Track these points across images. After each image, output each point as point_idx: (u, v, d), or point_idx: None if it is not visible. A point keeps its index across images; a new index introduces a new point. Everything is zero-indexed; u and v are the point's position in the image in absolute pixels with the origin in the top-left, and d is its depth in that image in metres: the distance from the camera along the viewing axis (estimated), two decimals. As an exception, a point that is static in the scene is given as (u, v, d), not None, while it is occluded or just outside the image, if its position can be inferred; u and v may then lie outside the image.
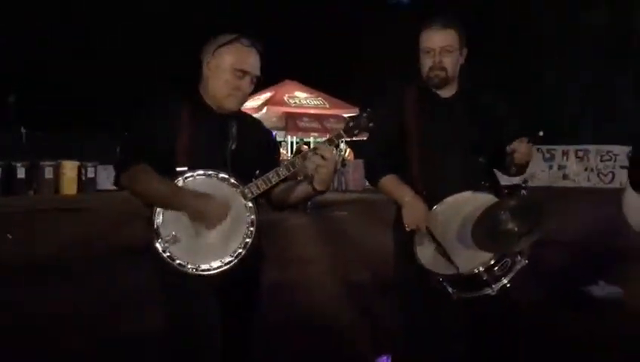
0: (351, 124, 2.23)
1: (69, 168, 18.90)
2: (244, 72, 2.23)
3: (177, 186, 2.13)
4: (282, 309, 4.62)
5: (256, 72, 2.27)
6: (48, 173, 18.44)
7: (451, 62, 2.53)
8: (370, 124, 2.22)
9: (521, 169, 2.49)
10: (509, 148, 2.38)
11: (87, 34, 27.64)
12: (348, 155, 19.90)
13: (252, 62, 2.25)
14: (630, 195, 3.22)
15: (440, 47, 2.50)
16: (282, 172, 2.17)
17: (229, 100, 2.24)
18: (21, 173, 17.99)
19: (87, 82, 27.06)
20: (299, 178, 2.27)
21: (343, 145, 22.28)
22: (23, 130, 20.64)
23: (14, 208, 13.08)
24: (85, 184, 19.33)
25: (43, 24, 25.75)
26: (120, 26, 28.56)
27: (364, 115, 2.23)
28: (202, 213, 2.11)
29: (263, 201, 2.31)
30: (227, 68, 2.21)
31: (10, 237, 8.01)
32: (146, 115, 2.28)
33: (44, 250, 7.65)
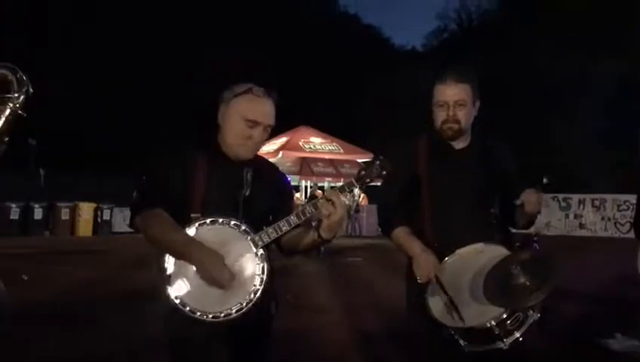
0: (363, 172, 2.23)
1: (85, 210, 19.12)
2: (256, 123, 2.26)
3: (189, 238, 2.15)
4: (294, 357, 4.57)
5: (269, 121, 2.30)
6: (65, 215, 18.66)
7: (464, 116, 2.57)
8: (383, 172, 2.22)
9: (530, 220, 2.51)
10: (517, 201, 2.41)
11: (105, 79, 28.31)
12: (362, 200, 19.91)
13: (264, 111, 2.28)
14: None
15: (454, 101, 2.55)
16: (293, 220, 2.19)
17: (241, 149, 2.28)
18: (38, 214, 18.25)
19: (105, 127, 27.60)
20: (313, 223, 2.30)
21: (357, 191, 22.27)
22: (41, 171, 20.98)
23: (30, 249, 13.19)
24: (101, 226, 19.48)
25: (61, 68, 26.43)
26: (138, 71, 29.24)
27: (377, 162, 2.23)
28: (208, 274, 2.12)
29: (274, 247, 2.33)
30: (239, 117, 2.26)
31: (26, 278, 8.04)
32: (163, 161, 2.35)
33: (58, 291, 7.67)
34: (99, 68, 28.48)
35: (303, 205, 2.23)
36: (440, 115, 2.59)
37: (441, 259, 2.51)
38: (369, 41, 44.77)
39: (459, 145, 2.65)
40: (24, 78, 1.48)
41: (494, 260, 2.35)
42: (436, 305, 2.43)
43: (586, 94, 26.48)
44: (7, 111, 1.47)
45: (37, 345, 5.01)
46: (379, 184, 2.56)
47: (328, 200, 2.14)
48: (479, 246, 2.49)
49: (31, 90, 1.48)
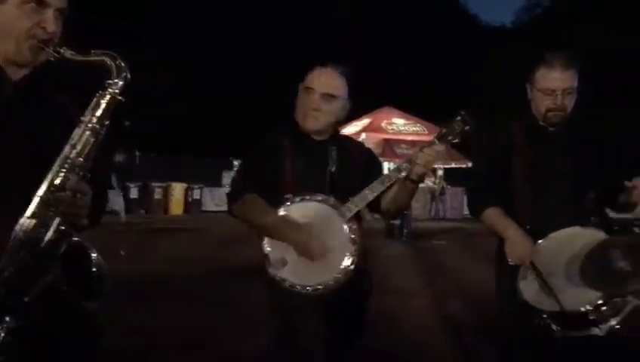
0: (444, 130, 2.21)
1: (177, 190, 19.99)
2: (309, 89, 2.31)
3: (280, 218, 2.23)
4: (379, 340, 4.56)
5: (324, 88, 2.31)
6: (158, 194, 19.60)
7: (571, 103, 2.48)
8: (466, 128, 2.18)
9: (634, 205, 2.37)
10: (628, 184, 2.28)
11: (195, 64, 29.22)
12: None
13: (319, 79, 2.32)
14: None
15: (562, 89, 2.44)
16: (377, 187, 2.21)
17: (304, 121, 2.33)
18: (134, 194, 19.23)
19: (195, 111, 28.61)
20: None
21: (440, 173, 22.01)
22: (136, 153, 22.09)
23: (127, 226, 13.95)
24: (191, 205, 20.32)
25: (155, 54, 27.51)
26: (228, 57, 29.95)
27: (458, 118, 2.19)
28: (300, 248, 2.20)
29: (366, 227, 2.35)
30: (302, 89, 2.34)
31: (123, 253, 8.48)
32: (255, 149, 2.46)
33: (154, 266, 8.07)
34: (192, 52, 29.44)
35: (386, 173, 2.25)
36: (545, 102, 2.47)
37: (534, 242, 2.42)
38: (455, 18, 43.51)
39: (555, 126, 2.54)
40: (122, 64, 1.56)
41: (591, 244, 2.26)
42: (528, 288, 2.37)
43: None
44: (107, 97, 1.56)
45: (132, 319, 5.21)
46: (467, 166, 2.50)
47: (411, 161, 2.18)
48: (575, 229, 2.40)
49: (129, 75, 1.56)
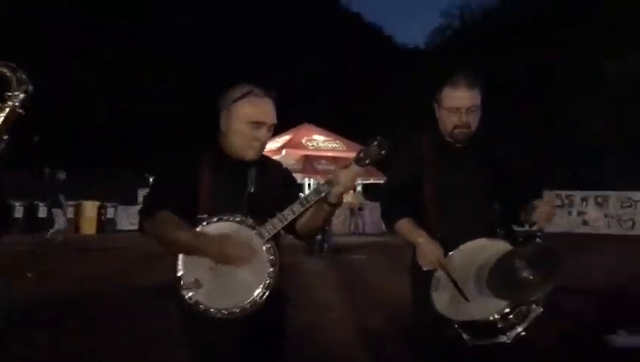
0: (361, 154, 2.22)
1: (90, 208, 19.19)
2: (260, 123, 2.28)
3: (197, 232, 2.17)
4: (298, 356, 4.55)
5: (273, 120, 2.32)
6: (69, 213, 18.70)
7: (475, 120, 2.58)
8: (382, 152, 2.21)
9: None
10: (532, 203, 2.40)
11: (110, 76, 28.34)
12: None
13: (267, 111, 2.31)
14: None
15: (467, 107, 2.54)
16: (297, 208, 2.19)
17: (248, 152, 2.30)
18: (43, 213, 18.29)
19: (108, 124, 27.69)
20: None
21: (359, 188, 22.39)
22: (46, 170, 21.05)
23: (35, 246, 13.23)
24: (105, 224, 19.55)
25: (66, 65, 26.47)
26: (144, 70, 29.22)
27: (375, 143, 2.21)
28: (225, 254, 2.13)
29: (286, 243, 2.33)
30: (243, 120, 2.27)
31: (30, 275, 8.09)
32: (170, 167, 2.38)
33: (62, 289, 7.71)
34: (106, 64, 28.54)
35: (306, 194, 2.23)
36: (451, 120, 2.57)
37: (444, 254, 2.50)
38: (370, 39, 44.65)
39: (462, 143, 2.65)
40: (24, 76, 1.50)
41: (497, 254, 2.35)
42: (440, 299, 2.43)
43: (594, 87, 26.23)
44: (7, 110, 1.48)
45: (39, 341, 4.99)
46: (382, 182, 2.56)
47: (329, 182, 2.17)
48: (482, 241, 2.49)
49: (31, 88, 1.50)
